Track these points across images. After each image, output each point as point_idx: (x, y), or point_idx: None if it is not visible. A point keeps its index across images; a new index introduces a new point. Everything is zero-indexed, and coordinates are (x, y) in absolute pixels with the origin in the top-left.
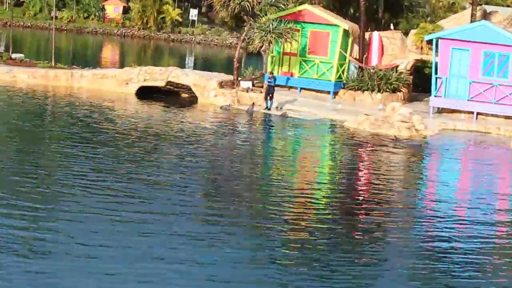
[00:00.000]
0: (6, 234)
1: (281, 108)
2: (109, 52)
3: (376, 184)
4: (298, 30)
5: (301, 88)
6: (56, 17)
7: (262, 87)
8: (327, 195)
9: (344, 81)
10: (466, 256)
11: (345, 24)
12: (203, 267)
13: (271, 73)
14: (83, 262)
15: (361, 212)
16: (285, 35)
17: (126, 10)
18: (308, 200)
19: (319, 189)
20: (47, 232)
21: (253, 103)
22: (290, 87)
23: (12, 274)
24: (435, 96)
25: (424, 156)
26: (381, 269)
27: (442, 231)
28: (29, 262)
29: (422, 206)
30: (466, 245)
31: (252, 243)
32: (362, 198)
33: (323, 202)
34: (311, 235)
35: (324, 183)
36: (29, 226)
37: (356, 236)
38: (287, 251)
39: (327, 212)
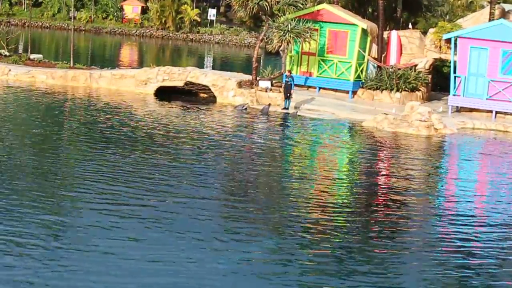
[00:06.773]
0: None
1: (298, 107)
2: (127, 53)
3: (397, 186)
4: (317, 30)
5: (320, 88)
6: (74, 18)
7: (281, 86)
8: (345, 198)
9: (363, 81)
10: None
11: (363, 24)
12: (217, 270)
13: (289, 71)
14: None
15: (382, 214)
16: (303, 34)
17: (144, 11)
18: (326, 203)
19: (336, 193)
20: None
21: (270, 104)
22: (309, 87)
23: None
24: (454, 95)
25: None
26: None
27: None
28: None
29: (443, 207)
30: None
31: (267, 248)
32: (383, 200)
33: (340, 205)
34: (328, 240)
35: (343, 186)
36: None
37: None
38: (304, 256)
39: (345, 216)
